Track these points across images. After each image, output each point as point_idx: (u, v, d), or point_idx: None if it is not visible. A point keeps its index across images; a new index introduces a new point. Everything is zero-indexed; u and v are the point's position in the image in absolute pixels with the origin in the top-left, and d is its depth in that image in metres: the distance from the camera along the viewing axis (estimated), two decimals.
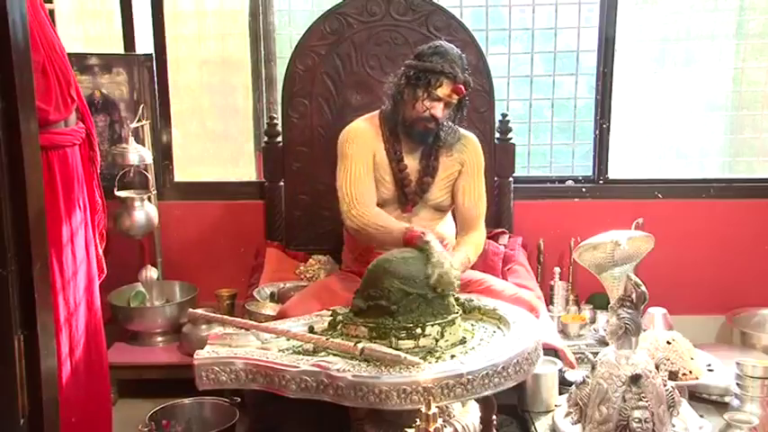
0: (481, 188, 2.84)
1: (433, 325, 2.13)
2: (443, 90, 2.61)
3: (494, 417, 2.50)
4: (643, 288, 2.37)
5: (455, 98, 2.64)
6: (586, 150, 3.79)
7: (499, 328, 2.34)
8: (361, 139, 2.73)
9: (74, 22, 3.77)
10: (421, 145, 2.76)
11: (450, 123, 2.72)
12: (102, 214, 2.70)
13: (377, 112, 2.82)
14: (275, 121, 3.49)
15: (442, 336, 2.15)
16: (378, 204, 2.75)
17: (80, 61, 3.48)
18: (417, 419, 1.73)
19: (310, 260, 3.37)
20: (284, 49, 3.74)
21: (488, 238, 3.32)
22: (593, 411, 2.36)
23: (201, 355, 2.14)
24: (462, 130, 2.84)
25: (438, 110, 2.63)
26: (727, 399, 2.76)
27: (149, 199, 3.44)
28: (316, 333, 2.27)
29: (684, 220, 3.66)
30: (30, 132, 1.42)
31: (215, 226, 3.70)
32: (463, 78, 2.63)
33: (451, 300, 2.24)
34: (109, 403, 2.71)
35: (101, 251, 2.70)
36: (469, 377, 1.98)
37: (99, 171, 2.66)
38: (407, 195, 2.75)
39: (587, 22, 3.69)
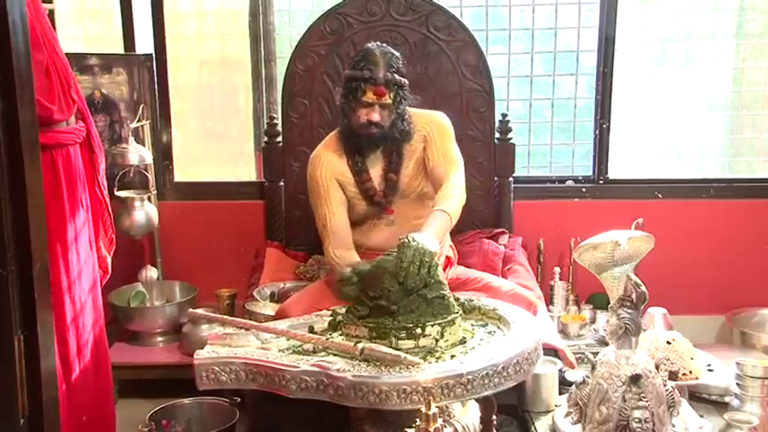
0: (447, 148, 2.73)
1: (433, 325, 2.13)
2: (369, 96, 2.60)
3: (494, 417, 2.50)
4: (643, 288, 2.37)
5: (387, 99, 2.61)
6: (586, 150, 3.79)
7: (499, 328, 2.33)
8: (322, 170, 2.72)
9: (74, 22, 3.77)
10: (379, 146, 2.73)
11: (403, 114, 2.68)
12: (109, 217, 2.67)
13: (336, 130, 2.82)
14: (275, 121, 3.50)
15: (442, 336, 2.15)
16: (358, 218, 2.76)
17: (80, 61, 3.48)
18: (417, 419, 1.73)
19: (310, 260, 3.37)
20: (284, 49, 3.74)
21: (488, 237, 3.33)
22: (593, 411, 2.36)
23: (201, 355, 2.14)
24: (422, 111, 2.81)
25: (374, 115, 2.62)
26: (727, 399, 2.76)
27: (149, 199, 3.44)
28: (316, 333, 2.27)
29: (684, 220, 3.66)
30: (30, 132, 1.42)
31: (215, 226, 3.70)
32: (384, 79, 2.59)
33: (452, 300, 2.24)
34: (112, 402, 2.71)
35: (105, 251, 2.69)
36: (469, 377, 1.98)
37: (102, 172, 2.63)
38: (378, 203, 2.74)
39: (587, 22, 3.69)
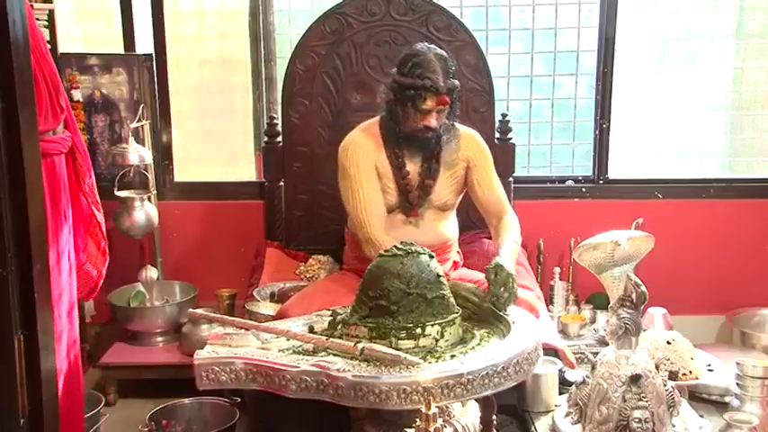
0: (493, 176, 2.84)
1: (433, 325, 2.13)
2: (429, 104, 2.59)
3: (494, 417, 2.50)
4: (643, 288, 2.37)
5: (445, 106, 2.63)
6: (586, 150, 3.79)
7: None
8: (363, 155, 2.70)
9: (74, 22, 3.77)
10: (422, 150, 2.75)
11: (445, 121, 2.71)
12: (100, 229, 2.58)
13: (377, 119, 2.80)
14: (275, 121, 3.49)
15: (442, 336, 2.15)
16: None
17: (80, 61, 3.48)
18: (417, 419, 1.73)
19: (310, 260, 3.37)
20: (284, 49, 3.74)
21: (489, 238, 3.32)
22: (593, 411, 2.36)
23: (201, 355, 2.14)
24: (462, 127, 2.85)
25: (432, 121, 2.63)
26: (727, 399, 2.76)
27: (149, 199, 3.44)
28: (316, 333, 2.27)
29: (684, 220, 3.66)
30: (30, 132, 1.42)
31: (215, 226, 3.70)
32: (446, 87, 2.59)
33: (452, 300, 2.24)
34: (83, 423, 2.58)
35: (91, 267, 2.59)
36: (469, 377, 1.98)
37: (91, 182, 2.53)
38: (411, 201, 2.75)
39: (587, 22, 3.69)
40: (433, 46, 2.71)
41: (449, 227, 2.87)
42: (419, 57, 2.61)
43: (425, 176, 2.76)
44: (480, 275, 2.83)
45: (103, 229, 2.63)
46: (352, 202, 2.69)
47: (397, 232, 2.73)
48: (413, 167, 2.76)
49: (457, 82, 2.66)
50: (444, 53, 2.68)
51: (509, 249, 2.62)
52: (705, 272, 3.70)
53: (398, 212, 2.78)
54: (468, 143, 2.82)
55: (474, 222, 3.38)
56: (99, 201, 2.60)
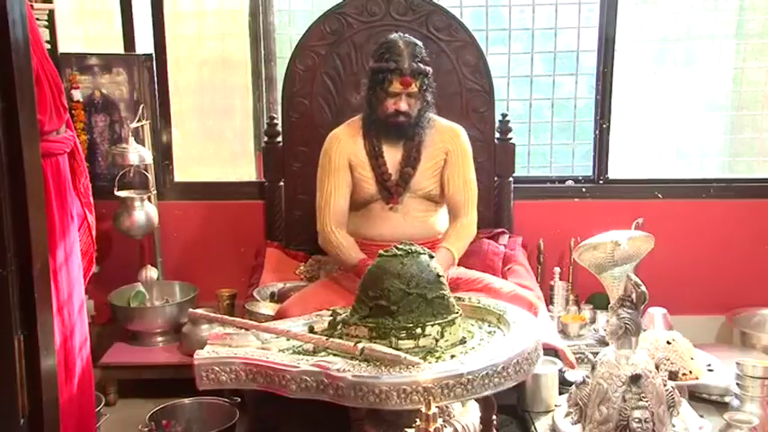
0: (467, 175, 2.86)
1: (433, 325, 2.13)
2: (395, 86, 2.68)
3: (494, 417, 2.50)
4: (643, 288, 2.37)
5: (413, 88, 2.69)
6: (586, 150, 3.79)
7: (499, 328, 2.33)
8: (338, 147, 2.81)
9: (74, 22, 3.77)
10: (401, 139, 2.80)
11: (428, 114, 2.78)
12: (90, 235, 2.54)
13: (360, 115, 2.88)
14: (275, 121, 3.50)
15: (442, 336, 2.15)
16: (362, 203, 2.81)
17: (80, 61, 3.48)
18: (417, 419, 1.73)
19: (310, 260, 3.37)
20: (284, 49, 3.74)
21: (488, 238, 3.34)
22: (593, 411, 2.36)
23: (201, 355, 2.14)
24: (446, 122, 2.89)
25: (402, 104, 2.70)
26: (727, 399, 2.76)
27: (149, 199, 3.44)
28: (316, 333, 2.27)
29: (684, 220, 3.66)
30: (30, 132, 1.42)
31: (215, 226, 3.70)
32: (410, 69, 2.66)
33: (452, 300, 2.24)
34: (94, 420, 2.60)
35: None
36: (469, 377, 1.98)
37: (86, 182, 2.52)
38: (389, 189, 2.78)
39: (587, 22, 3.69)
40: (406, 35, 2.79)
41: (440, 220, 2.88)
42: (388, 43, 2.73)
43: (405, 165, 2.79)
44: (479, 274, 2.84)
45: (93, 234, 2.60)
46: (319, 193, 2.81)
47: (381, 221, 2.79)
48: (393, 156, 2.81)
49: (427, 68, 2.73)
50: (415, 40, 2.76)
51: (438, 259, 2.59)
52: (705, 272, 3.69)
53: (379, 202, 2.82)
54: (451, 137, 2.86)
55: None
56: (92, 203, 2.59)
